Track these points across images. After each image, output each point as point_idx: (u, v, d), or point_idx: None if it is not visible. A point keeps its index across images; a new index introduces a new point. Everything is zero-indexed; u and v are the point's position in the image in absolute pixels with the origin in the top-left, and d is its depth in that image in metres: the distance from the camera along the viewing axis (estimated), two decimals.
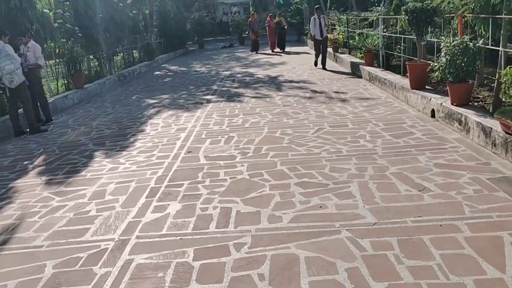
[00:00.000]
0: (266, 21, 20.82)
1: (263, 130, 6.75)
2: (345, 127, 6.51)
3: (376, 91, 9.24)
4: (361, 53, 12.19)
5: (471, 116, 5.35)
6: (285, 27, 20.62)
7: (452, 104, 5.92)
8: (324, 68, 13.10)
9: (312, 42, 18.25)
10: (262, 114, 7.92)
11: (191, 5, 42.36)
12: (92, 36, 13.69)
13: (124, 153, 6.22)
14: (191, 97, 10.49)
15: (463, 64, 5.51)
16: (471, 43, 5.55)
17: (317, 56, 13.67)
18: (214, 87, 11.77)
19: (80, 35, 12.95)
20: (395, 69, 10.38)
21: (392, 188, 4.15)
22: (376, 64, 11.11)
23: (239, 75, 13.78)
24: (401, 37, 9.81)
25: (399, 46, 10.49)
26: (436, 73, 5.94)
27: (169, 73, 16.61)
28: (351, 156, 5.16)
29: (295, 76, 12.30)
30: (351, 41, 14.50)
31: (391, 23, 11.94)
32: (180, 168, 5.29)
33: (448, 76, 5.73)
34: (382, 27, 10.82)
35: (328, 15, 19.58)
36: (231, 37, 34.06)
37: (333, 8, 21.79)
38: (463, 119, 5.50)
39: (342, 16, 16.41)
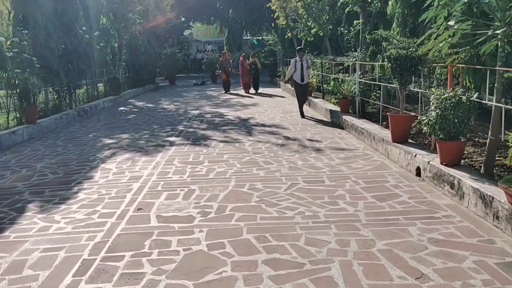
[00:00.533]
0: (240, 61, 20.24)
1: (229, 183, 5.93)
2: (321, 184, 5.76)
3: (353, 141, 8.62)
4: (336, 99, 11.71)
5: (466, 180, 4.69)
6: (259, 68, 20.12)
7: (441, 163, 5.28)
8: (302, 116, 11.94)
9: (285, 84, 17.97)
10: (229, 162, 7.12)
11: (164, 41, 42.08)
12: (51, 67, 12.75)
13: (62, 207, 5.24)
14: (153, 138, 9.62)
15: (456, 120, 4.91)
16: (464, 97, 4.98)
17: (301, 104, 12.18)
18: (180, 127, 10.95)
19: (38, 66, 11.98)
20: (371, 117, 9.86)
21: (383, 273, 3.36)
22: (351, 111, 10.59)
23: (208, 115, 13.04)
24: (379, 84, 9.34)
25: (375, 93, 10.02)
26: (425, 128, 5.31)
27: (134, 109, 15.72)
28: (330, 223, 4.38)
29: (267, 120, 11.65)
30: (325, 86, 14.08)
31: (367, 69, 11.56)
32: (125, 232, 4.37)
33: (438, 132, 5.11)
34: (359, 73, 10.38)
35: None
36: (204, 74, 33.68)
37: (307, 51, 21.65)
38: (456, 182, 4.84)
39: (316, 60, 16.09)
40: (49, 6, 13.34)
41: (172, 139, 9.44)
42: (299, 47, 14.10)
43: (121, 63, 20.30)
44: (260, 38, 45.99)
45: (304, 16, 16.59)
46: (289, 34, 21.34)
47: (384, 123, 8.51)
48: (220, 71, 20.68)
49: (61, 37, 13.73)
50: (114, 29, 20.10)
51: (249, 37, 49.25)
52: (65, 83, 13.65)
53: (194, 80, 30.38)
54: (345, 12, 12.93)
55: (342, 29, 12.27)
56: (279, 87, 22.77)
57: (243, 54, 21.00)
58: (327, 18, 14.42)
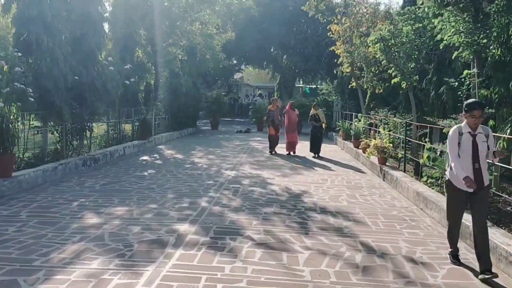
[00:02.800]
0: (284, 110, 15.37)
1: None
2: None
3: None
4: (431, 180, 8.07)
5: None
6: (324, 125, 14.94)
7: None
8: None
9: (343, 141, 14.68)
10: None
11: (213, 83, 39.98)
12: (52, 102, 9.95)
13: None
14: (157, 221, 6.29)
15: None
16: None
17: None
18: (203, 202, 7.58)
19: (33, 99, 9.15)
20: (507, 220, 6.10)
21: None
22: None
23: (246, 182, 9.66)
24: None
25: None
26: None
27: (157, 161, 12.62)
28: None
29: (329, 200, 8.09)
30: (408, 155, 10.46)
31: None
32: None
33: None
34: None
35: (369, 114, 15.83)
36: (250, 121, 30.85)
37: (372, 106, 18.19)
38: None
39: (396, 118, 12.50)
40: (63, 28, 10.75)
41: (183, 228, 6.04)
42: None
43: (156, 102, 17.56)
44: (314, 86, 43.08)
45: (380, 64, 13.21)
46: (353, 84, 17.98)
47: None
48: (267, 124, 15.36)
49: (75, 67, 11.03)
50: (151, 64, 17.55)
51: (302, 85, 46.51)
52: (69, 122, 10.79)
53: (239, 127, 27.54)
54: (453, 58, 9.35)
55: (452, 81, 8.75)
56: (335, 143, 19.24)
57: (292, 102, 15.94)
58: (412, 66, 10.95)
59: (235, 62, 41.50)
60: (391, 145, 11.03)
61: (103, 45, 12.53)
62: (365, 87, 17.75)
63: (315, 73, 38.42)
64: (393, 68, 10.89)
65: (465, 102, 4.87)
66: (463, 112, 4.85)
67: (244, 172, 10.88)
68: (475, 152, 4.75)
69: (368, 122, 15.86)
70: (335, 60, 18.82)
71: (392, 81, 11.46)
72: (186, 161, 12.61)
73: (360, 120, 16.05)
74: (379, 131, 13.04)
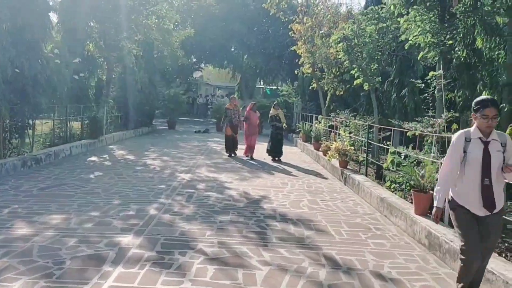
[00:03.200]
0: (246, 112, 14.10)
1: None
2: None
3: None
4: (399, 187, 7.73)
5: None
6: (285, 125, 14.00)
7: None
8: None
9: (304, 143, 14.46)
10: None
11: (171, 81, 38.88)
12: None
13: None
14: (97, 232, 5.55)
15: None
16: None
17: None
18: (152, 210, 6.88)
19: None
20: None
21: None
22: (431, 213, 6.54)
23: (201, 186, 9.02)
24: None
25: None
26: None
27: (106, 162, 11.75)
28: None
29: (290, 206, 7.59)
30: (370, 158, 10.14)
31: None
32: None
33: None
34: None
35: (329, 116, 15.55)
36: (210, 120, 30.13)
37: (333, 108, 17.97)
38: None
39: (357, 121, 12.20)
40: (1, 16, 9.73)
41: (126, 240, 5.34)
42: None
43: (108, 99, 16.55)
44: (275, 88, 42.80)
45: (341, 65, 12.89)
46: (314, 85, 17.66)
47: None
48: (224, 123, 14.20)
49: (16, 58, 10.02)
50: (104, 58, 16.54)
51: (263, 86, 46.11)
52: (8, 119, 9.79)
53: (197, 127, 26.78)
54: (418, 58, 9.07)
55: (418, 82, 8.41)
56: (296, 145, 18.87)
57: (253, 103, 14.47)
58: (375, 67, 10.64)
59: (194, 60, 40.59)
60: (352, 148, 10.67)
61: (49, 36, 11.48)
62: (325, 88, 17.48)
63: (276, 73, 38.12)
64: (355, 69, 10.56)
65: (475, 100, 3.82)
66: (472, 112, 3.83)
67: (200, 176, 10.23)
68: (486, 164, 3.67)
69: (328, 124, 15.56)
70: (297, 61, 18.44)
71: (355, 82, 11.14)
72: (137, 163, 11.81)
73: (320, 122, 15.74)
74: (339, 134, 12.73)
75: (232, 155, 13.88)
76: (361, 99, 15.61)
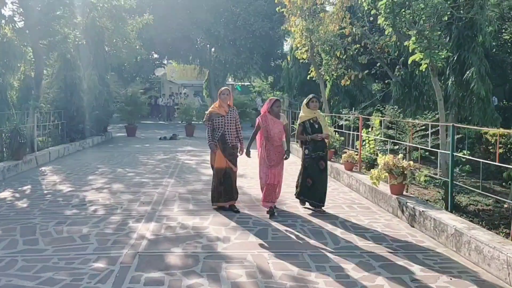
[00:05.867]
0: (261, 116, 6.86)
1: None
2: None
3: None
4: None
5: None
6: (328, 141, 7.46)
7: None
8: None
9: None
10: None
11: (131, 80, 34.22)
12: None
13: None
14: None
15: None
16: None
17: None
18: None
19: None
20: None
21: None
22: None
23: (174, 259, 4.92)
24: None
25: None
26: None
27: (19, 202, 7.36)
28: None
29: None
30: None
31: None
32: None
33: None
34: None
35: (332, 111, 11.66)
36: (176, 123, 25.84)
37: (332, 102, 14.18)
38: None
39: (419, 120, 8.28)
40: None
41: None
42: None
43: (37, 103, 12.03)
44: (247, 84, 38.74)
45: (351, 46, 8.91)
46: (313, 74, 13.73)
47: None
48: (213, 141, 6.85)
49: None
50: (29, 47, 12.07)
51: (233, 82, 41.96)
52: None
53: (162, 131, 22.44)
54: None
55: None
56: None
57: (275, 99, 6.96)
58: (438, 35, 6.75)
59: (156, 56, 36.06)
60: (411, 163, 6.77)
61: None
62: (326, 77, 13.62)
63: (248, 67, 34.08)
64: (413, 38, 6.64)
65: None
66: None
67: (171, 225, 6.06)
68: None
69: (337, 124, 11.72)
70: (277, 51, 14.48)
71: (410, 59, 7.18)
72: (71, 199, 7.53)
73: (342, 120, 11.40)
74: (369, 140, 8.85)
75: (234, 210, 6.81)
76: (391, 87, 11.61)
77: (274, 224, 6.16)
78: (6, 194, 8.02)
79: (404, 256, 4.99)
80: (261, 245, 5.26)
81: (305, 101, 6.97)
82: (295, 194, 7.18)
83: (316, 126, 6.79)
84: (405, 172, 6.65)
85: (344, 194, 8.34)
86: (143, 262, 4.63)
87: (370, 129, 10.02)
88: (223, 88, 6.78)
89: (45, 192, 8.22)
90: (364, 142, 9.57)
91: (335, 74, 13.04)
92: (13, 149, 10.63)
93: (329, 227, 6.09)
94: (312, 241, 5.44)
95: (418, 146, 7.58)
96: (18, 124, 10.87)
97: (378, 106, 11.27)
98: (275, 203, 6.83)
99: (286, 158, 6.84)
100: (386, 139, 8.43)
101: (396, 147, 8.34)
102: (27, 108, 12.08)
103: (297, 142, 9.40)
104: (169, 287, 4.02)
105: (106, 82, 18.96)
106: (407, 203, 6.37)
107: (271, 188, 6.66)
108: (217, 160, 6.84)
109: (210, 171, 9.64)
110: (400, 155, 7.03)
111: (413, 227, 6.13)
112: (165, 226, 5.99)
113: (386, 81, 11.46)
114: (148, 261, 4.66)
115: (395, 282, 4.23)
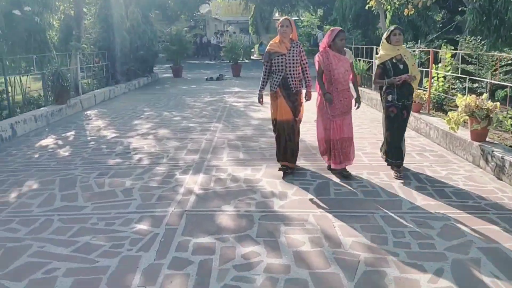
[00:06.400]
0: (319, 53, 5.39)
1: None
2: None
3: None
4: None
5: None
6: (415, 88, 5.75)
7: None
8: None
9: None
10: None
11: (175, 18, 33.30)
12: None
13: None
14: None
15: None
16: None
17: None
18: None
19: None
20: None
21: None
22: None
23: (224, 219, 4.33)
24: None
25: None
26: None
27: (62, 150, 6.99)
28: None
29: None
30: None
31: None
32: None
33: None
34: None
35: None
36: (222, 62, 24.96)
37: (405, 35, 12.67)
38: None
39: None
40: None
41: None
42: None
43: (79, 45, 11.54)
44: (295, 18, 36.82)
45: None
46: (371, 3, 12.31)
47: None
48: (271, 86, 5.41)
49: None
50: None
51: (279, 17, 40.09)
52: None
53: (209, 72, 21.71)
54: None
55: None
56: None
57: (339, 29, 5.38)
58: None
59: None
60: (497, 104, 5.71)
61: None
62: (387, 6, 12.19)
63: (296, 0, 32.12)
64: None
65: None
66: None
67: (220, 177, 5.47)
68: None
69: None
70: None
71: None
72: (114, 147, 7.10)
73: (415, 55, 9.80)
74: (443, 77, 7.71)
75: (287, 171, 5.54)
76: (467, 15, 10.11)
77: (335, 178, 5.41)
78: (49, 141, 7.71)
79: (498, 218, 4.15)
80: (323, 203, 4.56)
81: (384, 34, 5.49)
82: (381, 150, 5.97)
83: (401, 66, 5.27)
84: (490, 116, 5.61)
85: (411, 139, 7.39)
86: (191, 223, 4.07)
87: (438, 65, 8.82)
88: (282, 18, 5.40)
89: (89, 138, 7.84)
90: (432, 80, 8.44)
91: (398, 3, 11.59)
92: (56, 93, 10.31)
93: (400, 180, 5.28)
94: (383, 199, 4.69)
95: (505, 83, 6.43)
96: (60, 67, 10.47)
97: (445, 39, 9.91)
98: (347, 165, 5.47)
99: (357, 107, 5.56)
100: (464, 76, 7.27)
101: (476, 85, 7.19)
102: (69, 49, 11.64)
103: (374, 88, 8.00)
104: (221, 256, 3.44)
105: (149, 21, 18.21)
106: (494, 152, 5.40)
107: (337, 142, 5.35)
108: (281, 111, 5.36)
109: (260, 115, 8.84)
110: (485, 95, 5.95)
111: (501, 180, 5.20)
112: (214, 178, 5.40)
113: (459, 9, 9.97)
114: (196, 222, 4.10)
115: (493, 255, 3.44)
